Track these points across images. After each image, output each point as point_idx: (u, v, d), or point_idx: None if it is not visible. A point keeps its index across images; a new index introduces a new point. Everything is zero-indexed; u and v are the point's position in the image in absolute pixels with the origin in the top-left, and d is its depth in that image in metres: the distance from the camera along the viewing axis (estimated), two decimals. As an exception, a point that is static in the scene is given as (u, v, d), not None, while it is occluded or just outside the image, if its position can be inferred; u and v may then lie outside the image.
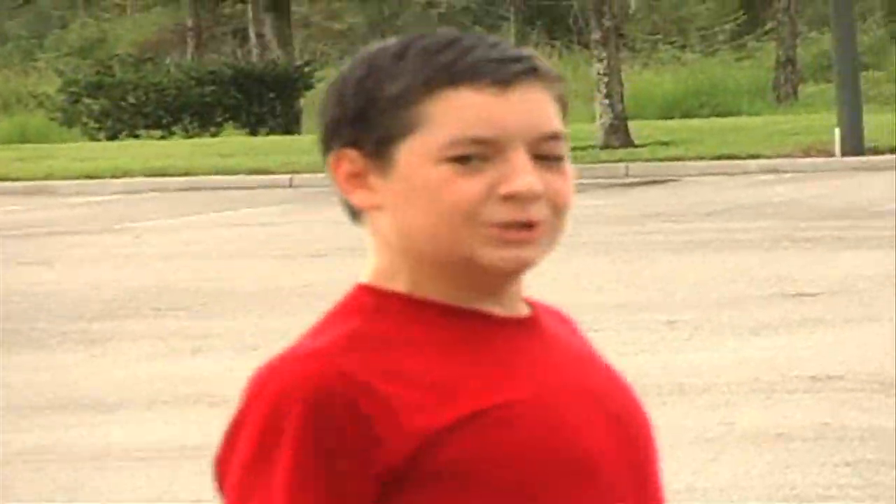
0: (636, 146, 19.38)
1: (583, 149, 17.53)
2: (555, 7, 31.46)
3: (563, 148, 0.73)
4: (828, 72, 23.01)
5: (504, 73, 0.69)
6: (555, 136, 0.72)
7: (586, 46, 23.86)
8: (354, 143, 0.69)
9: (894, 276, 8.77)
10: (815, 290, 8.60)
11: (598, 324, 6.78)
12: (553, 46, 29.39)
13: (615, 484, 0.69)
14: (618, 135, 19.44)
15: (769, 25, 30.20)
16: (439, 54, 0.68)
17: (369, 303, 0.68)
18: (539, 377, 0.69)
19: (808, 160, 17.80)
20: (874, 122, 18.42)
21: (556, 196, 0.70)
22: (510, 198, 0.67)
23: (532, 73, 0.71)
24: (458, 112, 0.67)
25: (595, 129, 19.50)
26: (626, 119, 20.07)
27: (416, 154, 0.68)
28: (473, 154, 0.68)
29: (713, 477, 5.11)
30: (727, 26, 32.44)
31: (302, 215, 14.05)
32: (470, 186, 0.67)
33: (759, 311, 8.16)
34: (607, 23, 20.03)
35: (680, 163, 17.87)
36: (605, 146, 19.34)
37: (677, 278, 9.41)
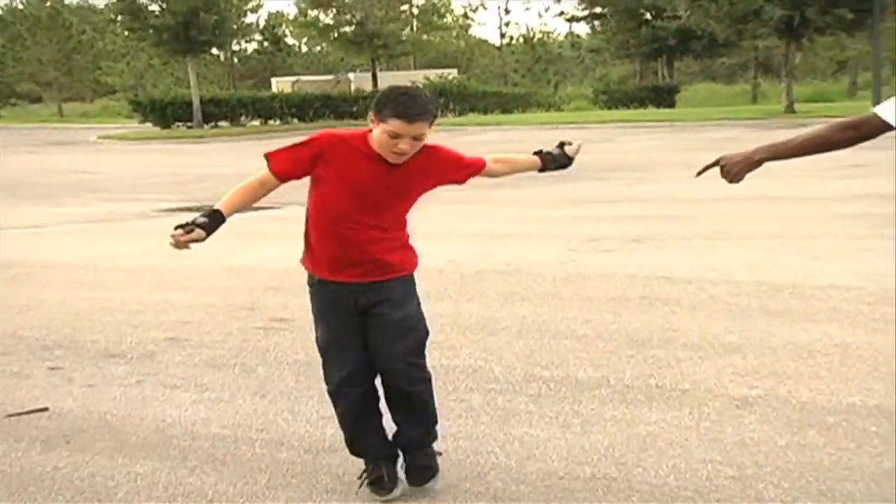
0: None
1: None
2: None
3: (423, 136, 4.35)
4: None
5: (410, 115, 4.23)
6: (419, 135, 4.29)
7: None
8: (376, 115, 4.31)
9: None
10: None
11: None
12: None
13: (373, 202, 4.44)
14: None
15: None
16: (393, 104, 4.32)
17: (367, 136, 4.45)
18: (376, 175, 4.45)
19: None
20: None
21: (414, 149, 4.36)
22: (400, 147, 4.32)
23: (421, 115, 4.28)
24: (392, 126, 4.27)
25: None
26: None
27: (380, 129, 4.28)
28: (394, 135, 4.28)
29: None
30: None
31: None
32: (393, 142, 4.30)
33: None
34: None
35: None
36: None
37: None
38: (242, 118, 50.03)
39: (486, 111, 54.68)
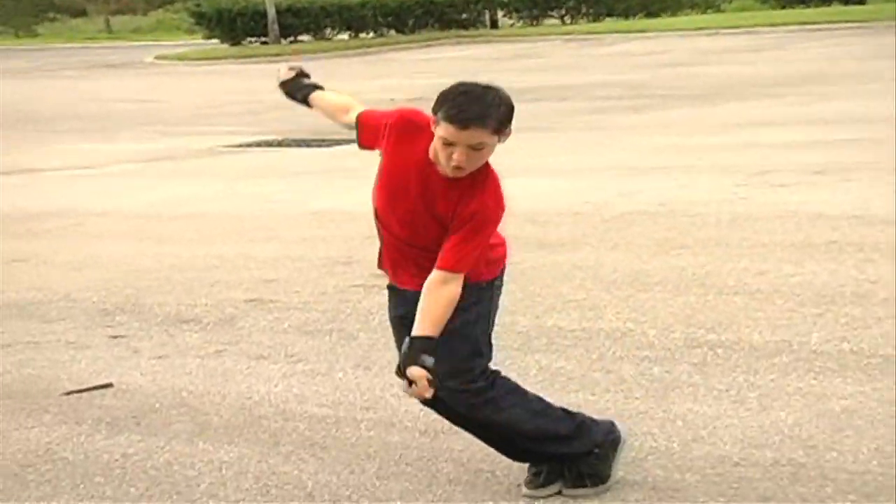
0: None
1: None
2: None
3: (482, 145, 4.31)
4: None
5: (462, 119, 4.21)
6: (476, 145, 4.27)
7: None
8: (434, 115, 4.33)
9: None
10: None
11: None
12: None
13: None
14: None
15: None
16: (448, 105, 4.31)
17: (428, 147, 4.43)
18: (422, 184, 4.53)
19: None
20: None
21: (472, 162, 4.33)
22: (455, 158, 4.34)
23: (475, 120, 4.24)
24: (443, 131, 4.30)
25: None
26: None
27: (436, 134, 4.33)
28: (447, 142, 4.31)
29: None
30: None
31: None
32: (447, 151, 4.32)
33: None
34: None
35: None
36: None
37: None
38: (328, 31, 50.27)
39: (626, 15, 54.68)
